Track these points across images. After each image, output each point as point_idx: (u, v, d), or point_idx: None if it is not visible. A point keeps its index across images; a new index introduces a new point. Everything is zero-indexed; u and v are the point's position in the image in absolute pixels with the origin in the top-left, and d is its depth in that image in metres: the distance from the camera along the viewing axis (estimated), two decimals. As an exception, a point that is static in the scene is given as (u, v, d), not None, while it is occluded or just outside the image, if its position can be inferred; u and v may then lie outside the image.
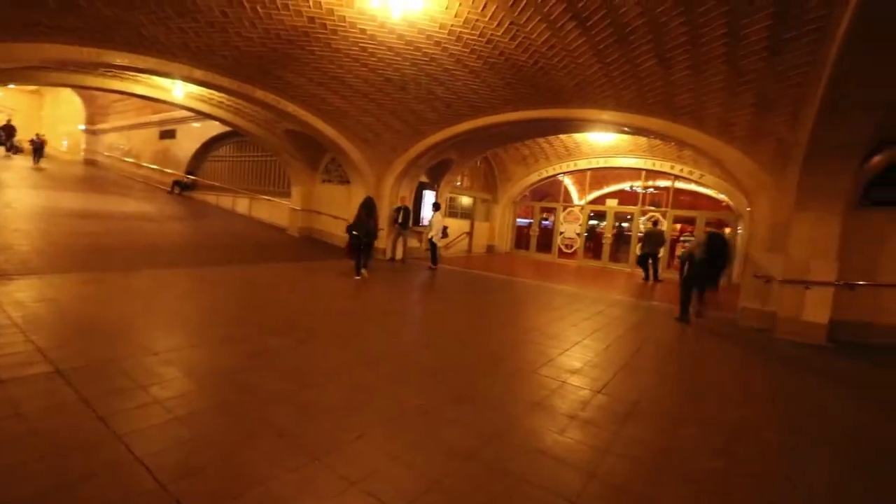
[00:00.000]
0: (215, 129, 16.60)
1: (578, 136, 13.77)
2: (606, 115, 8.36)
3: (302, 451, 2.53)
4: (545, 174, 16.32)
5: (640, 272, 12.94)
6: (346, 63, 7.68)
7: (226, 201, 17.25)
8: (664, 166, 13.95)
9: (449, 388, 3.64)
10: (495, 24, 5.94)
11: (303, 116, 10.21)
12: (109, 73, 9.99)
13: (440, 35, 6.44)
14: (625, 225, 15.85)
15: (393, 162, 11.75)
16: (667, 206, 14.50)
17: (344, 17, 6.14)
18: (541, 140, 14.41)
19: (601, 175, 16.21)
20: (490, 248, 17.79)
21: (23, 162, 18.71)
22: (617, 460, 2.71)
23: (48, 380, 3.09)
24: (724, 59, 5.73)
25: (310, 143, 12.58)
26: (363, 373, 3.80)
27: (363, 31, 6.50)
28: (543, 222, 17.88)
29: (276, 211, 15.19)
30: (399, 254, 12.35)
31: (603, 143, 13.83)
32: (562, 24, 5.69)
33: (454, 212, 16.20)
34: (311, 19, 6.24)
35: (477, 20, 5.92)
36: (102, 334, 4.13)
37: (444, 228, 11.55)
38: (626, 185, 15.78)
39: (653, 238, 12.16)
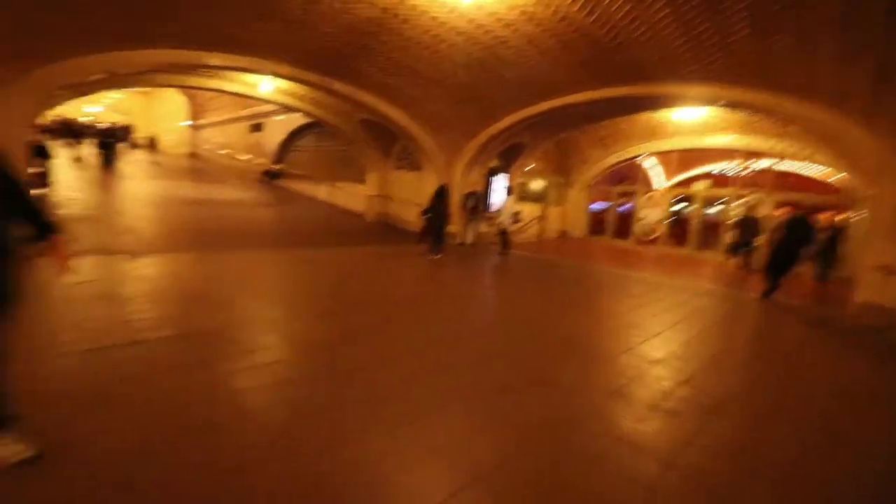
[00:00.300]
0: (298, 121, 17.69)
1: (661, 115, 12.84)
2: (693, 90, 7.72)
3: (389, 418, 2.72)
4: (624, 156, 15.45)
5: (732, 261, 11.91)
6: (417, 51, 7.80)
7: (308, 188, 18.42)
8: (765, 145, 12.58)
9: (525, 370, 3.67)
10: (571, 1, 5.71)
11: (376, 105, 10.56)
12: (207, 73, 11.01)
13: (511, 16, 6.31)
14: (716, 210, 14.61)
15: (463, 147, 11.79)
16: (767, 189, 13.12)
17: (415, 5, 6.23)
18: (619, 120, 13.64)
19: (688, 156, 15.04)
20: (563, 234, 17.33)
21: (140, 156, 21.34)
22: (699, 452, 2.60)
23: (173, 342, 3.59)
24: (837, 24, 5.03)
25: (383, 131, 12.99)
26: (443, 352, 3.95)
27: (434, 18, 6.56)
28: (621, 207, 17.03)
29: (353, 197, 15.95)
30: (470, 238, 12.45)
31: (690, 121, 12.76)
32: (645, -7, 5.32)
33: (526, 196, 15.94)
34: (384, 10, 6.41)
35: (551, -3, 5.72)
36: (214, 305, 4.68)
37: (516, 213, 11.43)
38: (718, 167, 14.51)
39: (747, 225, 11.11)
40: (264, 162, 20.71)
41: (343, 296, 5.76)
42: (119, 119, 27.41)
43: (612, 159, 15.77)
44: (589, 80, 8.40)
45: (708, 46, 6.28)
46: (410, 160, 13.84)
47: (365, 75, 9.30)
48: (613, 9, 5.78)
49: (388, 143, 14.15)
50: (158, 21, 6.76)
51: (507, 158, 13.77)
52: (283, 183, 19.88)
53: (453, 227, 12.09)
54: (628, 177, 16.79)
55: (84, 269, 5.43)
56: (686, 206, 15.21)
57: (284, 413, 2.69)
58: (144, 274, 5.70)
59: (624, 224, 16.43)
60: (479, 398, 3.11)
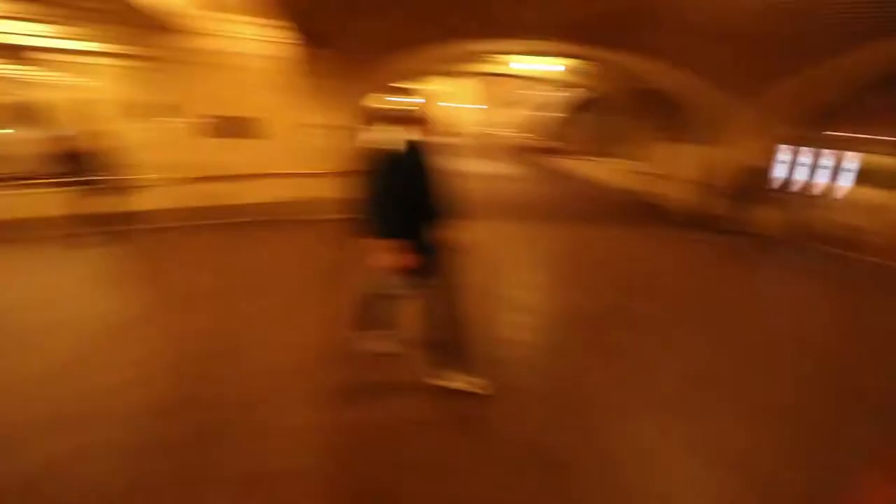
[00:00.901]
0: (575, 98, 17.81)
1: None
2: None
3: (647, 398, 2.83)
4: None
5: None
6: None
7: (579, 165, 18.55)
8: None
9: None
10: None
11: (660, 74, 9.58)
12: (497, 60, 12.33)
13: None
14: None
15: (778, 111, 9.43)
16: None
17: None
18: None
19: None
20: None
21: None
22: None
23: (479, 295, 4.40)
24: None
25: (658, 102, 11.68)
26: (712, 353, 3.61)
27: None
28: None
29: (621, 174, 15.18)
30: (776, 226, 9.71)
31: None
32: None
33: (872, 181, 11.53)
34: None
35: None
36: (508, 267, 5.55)
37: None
38: None
39: None
40: (545, 139, 21.91)
41: (613, 277, 5.84)
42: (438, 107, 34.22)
43: None
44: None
45: None
46: (695, 133, 12.01)
47: (648, 42, 8.53)
48: None
49: (665, 114, 12.64)
50: (471, 16, 7.95)
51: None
52: (560, 158, 20.64)
53: (758, 210, 9.75)
54: None
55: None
56: None
57: (543, 363, 3.26)
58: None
59: None
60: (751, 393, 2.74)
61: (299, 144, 8.68)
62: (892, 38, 6.82)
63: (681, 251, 7.66)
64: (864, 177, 11.46)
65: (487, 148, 24.76)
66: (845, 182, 8.28)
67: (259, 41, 8.63)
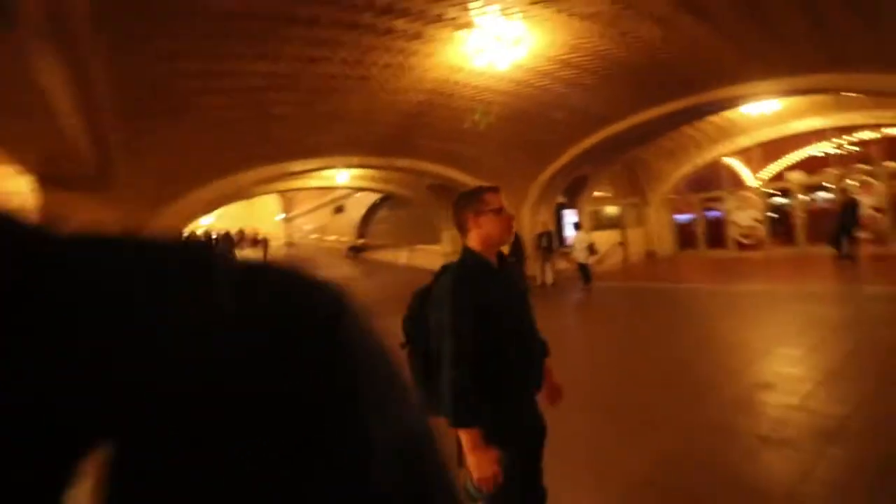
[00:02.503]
0: (373, 197, 19.31)
1: (730, 113, 12.17)
2: (757, 87, 7.38)
3: None
4: (699, 163, 14.63)
5: (835, 253, 10.45)
6: (466, 116, 8.42)
7: (389, 256, 19.68)
8: (862, 118, 11.26)
9: (618, 410, 3.63)
10: (603, 39, 5.95)
11: (439, 171, 11.34)
12: (293, 177, 12.66)
13: (547, 67, 6.68)
14: (824, 196, 13.07)
15: (527, 191, 12.06)
16: (879, 162, 11.57)
17: (457, 81, 6.87)
18: (685, 128, 13.13)
19: (774, 147, 13.85)
20: (650, 254, 16.44)
21: (252, 253, 24.50)
22: (820, 487, 2.40)
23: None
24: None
25: (450, 191, 13.74)
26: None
27: (475, 87, 7.15)
28: (710, 213, 15.89)
29: (431, 257, 16.73)
30: (550, 278, 12.35)
31: (765, 113, 11.93)
32: (674, 19, 5.42)
33: (601, 224, 15.58)
34: (430, 91, 7.13)
35: (582, 43, 6.01)
36: None
37: (591, 245, 11.24)
38: (813, 150, 13.15)
39: (846, 211, 9.86)
40: (349, 239, 22.65)
41: None
42: (227, 223, 32.09)
43: (686, 169, 15.00)
44: (639, 102, 8.39)
45: (756, 43, 6.09)
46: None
47: (424, 147, 10.14)
48: (647, 37, 5.91)
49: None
50: (258, 144, 8.12)
51: (573, 193, 13.75)
52: (367, 255, 21.47)
53: (531, 269, 12.14)
54: (712, 180, 15.76)
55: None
56: (786, 200, 13.81)
57: None
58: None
59: (717, 232, 15.23)
60: (575, 447, 3.15)
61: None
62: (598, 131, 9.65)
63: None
64: (601, 223, 15.48)
65: (298, 255, 24.29)
66: (582, 233, 11.15)
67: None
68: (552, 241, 12.00)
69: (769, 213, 13.88)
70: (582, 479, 2.74)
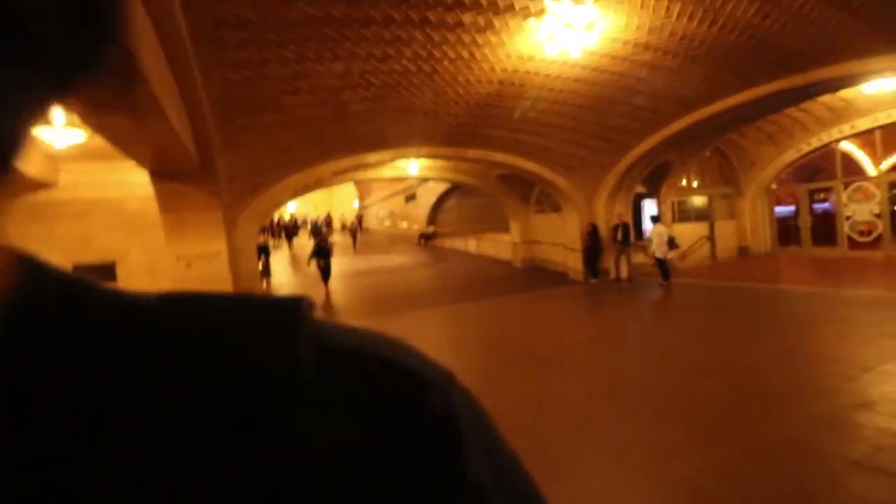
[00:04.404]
0: (443, 186, 19.59)
1: (846, 92, 10.62)
2: (880, 62, 6.39)
3: (539, 470, 2.90)
4: (806, 148, 12.99)
5: None
6: (539, 105, 8.22)
7: (458, 244, 19.91)
8: None
9: (683, 420, 3.45)
10: (685, 19, 5.50)
11: (509, 161, 11.19)
12: (369, 167, 13.22)
13: (625, 52, 6.32)
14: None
15: (602, 180, 11.53)
16: None
17: (527, 71, 6.73)
18: (789, 109, 11.69)
19: (901, 129, 11.89)
20: (743, 250, 15.00)
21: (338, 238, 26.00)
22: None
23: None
24: None
25: (519, 181, 13.55)
26: (592, 403, 3.97)
27: (547, 75, 6.94)
28: (817, 206, 14.10)
29: (499, 246, 16.68)
30: (624, 272, 11.77)
31: (887, 90, 10.25)
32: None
33: (686, 216, 14.49)
34: (501, 83, 7.06)
35: (661, 24, 5.61)
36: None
37: (672, 239, 10.50)
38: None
39: None
40: (420, 226, 23.20)
41: (494, 350, 6.14)
42: (310, 209, 34.43)
43: (789, 155, 13.39)
44: (733, 83, 7.64)
45: (881, 9, 5.26)
46: (550, 202, 14.02)
47: (493, 138, 10.07)
48: (739, 13, 5.37)
49: (526, 190, 14.63)
50: (336, 138, 8.61)
51: (655, 181, 12.89)
52: (437, 242, 21.88)
53: (605, 262, 11.69)
54: (822, 168, 13.92)
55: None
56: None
57: None
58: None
59: (826, 227, 13.47)
60: (632, 452, 3.07)
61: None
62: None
63: (556, 310, 8.56)
64: (687, 215, 14.42)
65: (372, 241, 25.40)
66: (661, 226, 10.41)
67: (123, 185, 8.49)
68: (628, 234, 11.41)
69: (894, 208, 11.97)
70: (633, 479, 2.68)
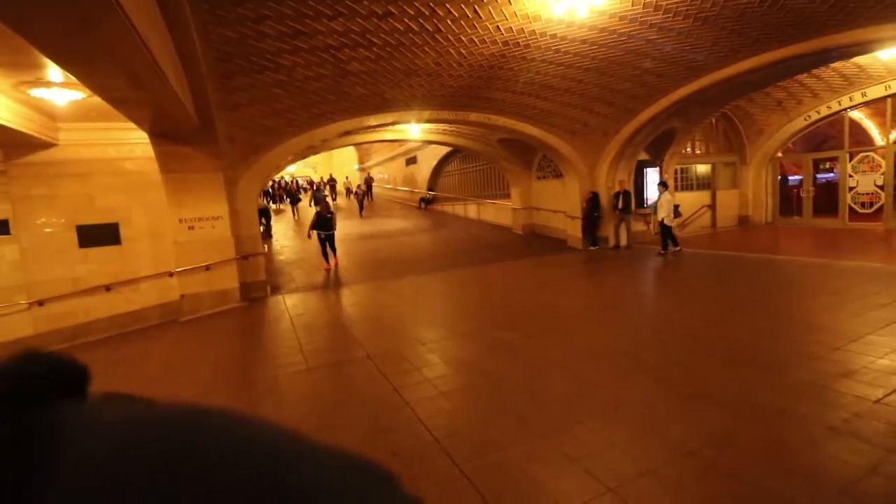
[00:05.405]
0: (444, 150, 19.30)
1: (861, 58, 10.30)
2: (893, 30, 6.19)
3: (532, 429, 3.07)
4: (814, 116, 12.73)
5: None
6: (543, 67, 8.00)
7: (459, 209, 19.84)
8: None
9: (673, 386, 3.60)
10: (699, -21, 5.29)
11: (511, 125, 11.00)
12: (369, 130, 12.99)
13: (634, 12, 6.09)
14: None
15: (605, 147, 11.38)
16: None
17: (533, 30, 6.51)
18: (801, 75, 11.38)
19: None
20: (743, 220, 15.00)
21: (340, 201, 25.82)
22: (884, 483, 2.27)
23: (364, 361, 4.56)
24: None
25: (521, 146, 13.35)
26: (586, 366, 4.11)
27: (553, 35, 6.73)
28: (820, 176, 13.97)
29: (500, 212, 16.64)
30: (623, 240, 11.84)
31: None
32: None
33: (688, 183, 14.40)
34: (505, 43, 6.85)
35: (674, -17, 5.39)
36: (388, 329, 5.73)
37: (676, 207, 10.48)
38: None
39: None
40: (420, 190, 23.04)
41: (491, 314, 6.28)
42: (309, 172, 34.07)
43: (798, 123, 13.15)
44: (743, 47, 7.42)
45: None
46: (552, 168, 13.88)
47: (496, 101, 9.86)
48: (753, -28, 5.16)
49: (528, 156, 14.45)
50: (336, 100, 8.42)
51: (658, 148, 12.72)
52: (437, 207, 21.80)
53: (604, 230, 11.73)
54: (829, 137, 13.69)
55: (296, 303, 7.11)
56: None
57: (444, 421, 3.27)
58: (343, 303, 7.17)
59: (828, 197, 13.40)
60: (621, 413, 3.22)
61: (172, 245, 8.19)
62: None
63: (555, 276, 8.66)
64: (690, 183, 14.31)
65: (372, 205, 25.30)
66: (667, 194, 10.31)
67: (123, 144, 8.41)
68: (629, 202, 11.38)
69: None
70: (624, 442, 2.83)
